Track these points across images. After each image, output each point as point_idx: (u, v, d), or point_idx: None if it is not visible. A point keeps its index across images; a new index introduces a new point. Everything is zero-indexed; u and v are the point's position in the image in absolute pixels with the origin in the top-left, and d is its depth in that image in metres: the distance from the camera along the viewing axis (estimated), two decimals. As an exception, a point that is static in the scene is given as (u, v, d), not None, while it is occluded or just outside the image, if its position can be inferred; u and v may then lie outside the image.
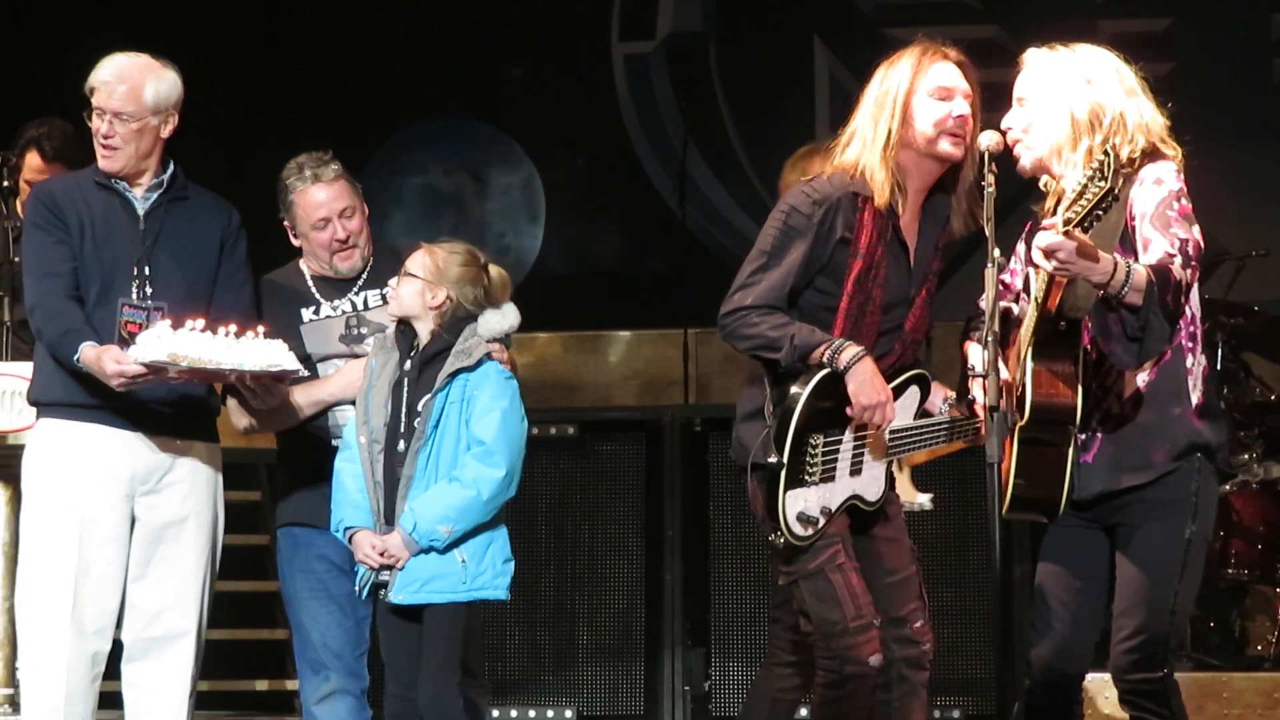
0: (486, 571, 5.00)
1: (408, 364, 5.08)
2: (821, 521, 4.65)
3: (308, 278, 5.46)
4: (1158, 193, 4.33)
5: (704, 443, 7.12)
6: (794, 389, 4.62)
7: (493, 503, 4.98)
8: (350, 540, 5.05)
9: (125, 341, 4.93)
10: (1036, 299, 4.34)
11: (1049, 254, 4.12)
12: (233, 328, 4.89)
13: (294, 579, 5.39)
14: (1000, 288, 4.43)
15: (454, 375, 5.01)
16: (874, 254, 4.68)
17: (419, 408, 5.00)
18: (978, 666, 6.56)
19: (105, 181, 5.12)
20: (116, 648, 5.15)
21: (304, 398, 5.28)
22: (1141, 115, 4.43)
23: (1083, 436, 4.44)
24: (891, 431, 4.73)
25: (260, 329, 4.97)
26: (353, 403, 5.19)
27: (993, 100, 4.69)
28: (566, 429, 7.16)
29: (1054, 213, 4.28)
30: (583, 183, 9.66)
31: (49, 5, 9.57)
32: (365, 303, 5.43)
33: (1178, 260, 4.23)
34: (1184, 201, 4.33)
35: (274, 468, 5.80)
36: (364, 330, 5.38)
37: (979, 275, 4.43)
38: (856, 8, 9.40)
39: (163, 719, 5.14)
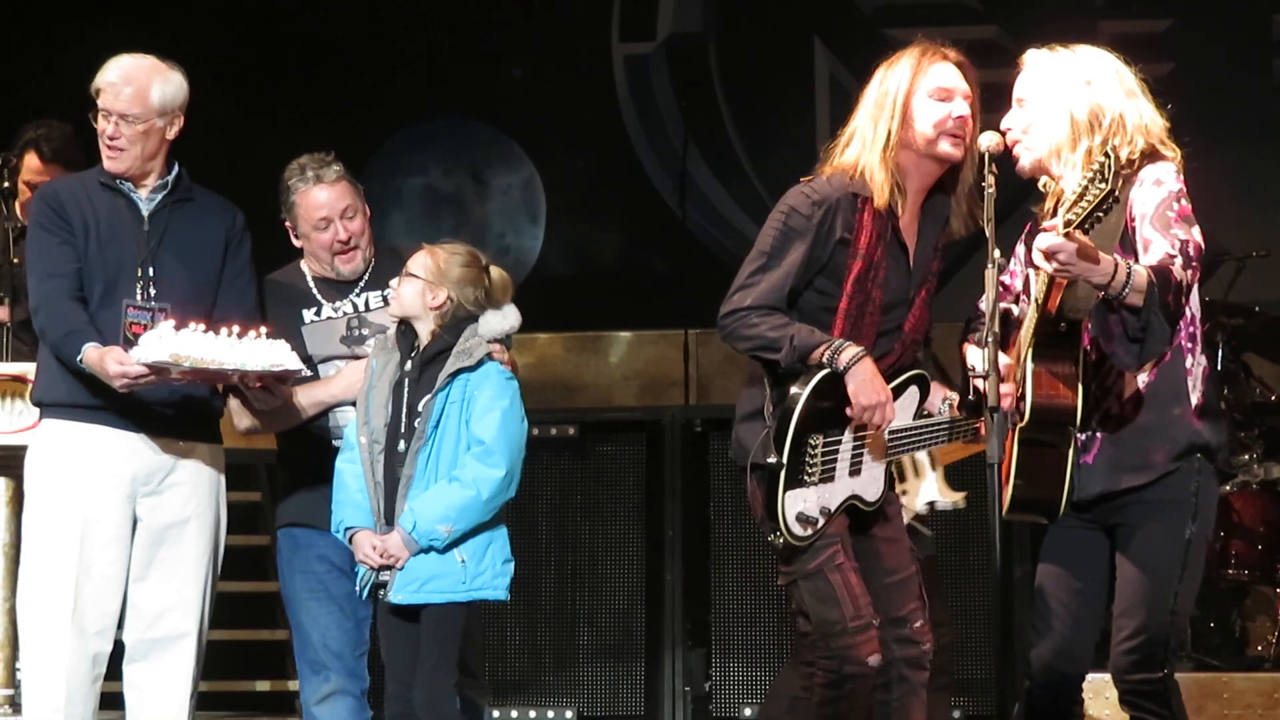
0: (486, 572, 5.00)
1: (408, 364, 5.09)
2: (821, 522, 4.66)
3: (309, 278, 5.47)
4: (1157, 194, 4.33)
5: (704, 443, 7.13)
6: (794, 389, 4.62)
7: (492, 503, 4.98)
8: (350, 540, 5.05)
9: (130, 342, 4.93)
10: (1036, 300, 4.34)
11: (1049, 256, 4.12)
12: (235, 328, 4.89)
13: (294, 579, 5.40)
14: (1000, 289, 4.43)
15: (454, 375, 5.01)
16: (873, 255, 4.69)
17: (419, 408, 5.01)
18: (978, 667, 6.56)
19: (110, 182, 5.13)
20: (118, 648, 5.15)
21: (305, 398, 5.28)
22: (1141, 116, 4.44)
23: (1082, 437, 4.44)
24: (891, 432, 4.73)
25: (263, 329, 4.97)
26: (353, 403, 5.19)
27: (993, 101, 4.69)
28: (567, 429, 7.17)
29: (1053, 214, 4.28)
30: (583, 183, 9.66)
31: (49, 6, 9.57)
32: (366, 304, 5.43)
33: (1178, 261, 4.23)
34: (1184, 202, 4.33)
35: (274, 468, 5.81)
36: (365, 331, 5.38)
37: (979, 276, 4.43)
38: (857, 8, 9.40)
39: (164, 720, 5.15)
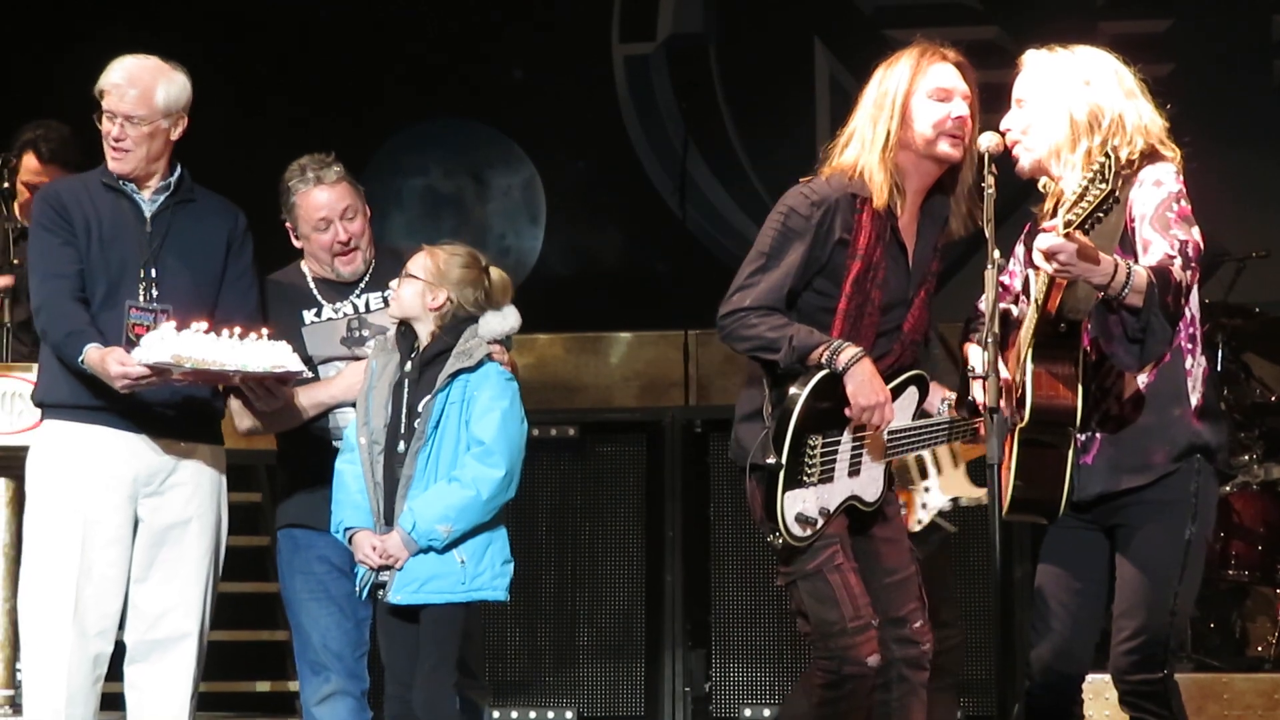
0: (485, 572, 5.00)
1: (408, 365, 5.09)
2: (820, 522, 4.66)
3: (309, 279, 5.47)
4: (1157, 194, 4.33)
5: (704, 444, 7.13)
6: (793, 390, 4.62)
7: (492, 503, 4.98)
8: (350, 541, 5.05)
9: (132, 343, 4.93)
10: (1036, 301, 4.33)
11: (1050, 256, 4.12)
12: (237, 330, 4.89)
13: (294, 580, 5.40)
14: (999, 289, 4.43)
15: (454, 376, 5.01)
16: (872, 255, 4.69)
17: (419, 408, 5.01)
18: (978, 667, 6.56)
19: (113, 183, 5.13)
20: (119, 649, 5.16)
21: (305, 399, 5.29)
22: (1140, 117, 4.43)
23: (1082, 438, 4.44)
24: (890, 432, 4.74)
25: (264, 331, 4.97)
26: (353, 404, 5.19)
27: (994, 102, 4.69)
28: (567, 430, 7.17)
29: (1053, 214, 4.28)
30: (583, 184, 9.66)
31: (49, 6, 9.57)
32: (367, 305, 5.43)
33: (1178, 262, 4.23)
34: (1183, 203, 4.33)
35: (274, 469, 5.81)
36: (365, 333, 5.38)
37: (979, 277, 4.43)
38: (857, 9, 9.40)
39: (164, 721, 5.16)
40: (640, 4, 9.64)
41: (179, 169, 5.19)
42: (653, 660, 7.05)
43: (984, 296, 4.46)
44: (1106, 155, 4.02)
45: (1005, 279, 4.64)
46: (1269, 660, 6.88)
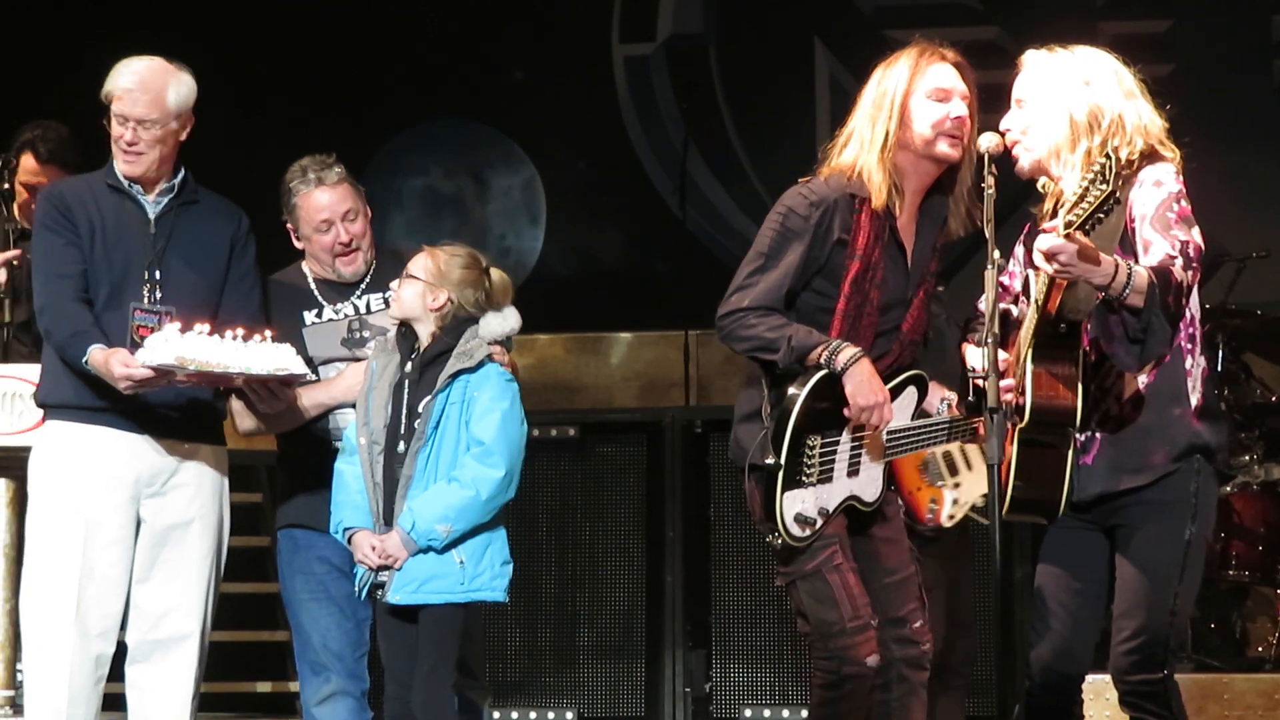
0: (485, 573, 5.00)
1: (409, 366, 5.09)
2: (819, 522, 4.66)
3: (310, 280, 5.47)
4: (1157, 195, 4.33)
5: (705, 444, 7.13)
6: (791, 390, 4.62)
7: (491, 503, 4.98)
8: (349, 541, 5.06)
9: (136, 345, 4.93)
10: (1036, 301, 4.33)
11: (1050, 257, 4.12)
12: (240, 331, 4.89)
13: (294, 581, 5.40)
14: (999, 290, 4.43)
15: (455, 376, 5.01)
16: (871, 255, 4.69)
17: (419, 409, 5.01)
18: (978, 668, 6.55)
19: (117, 184, 5.13)
20: (120, 650, 5.16)
21: (305, 400, 5.29)
22: (1140, 117, 4.43)
23: (1082, 438, 4.44)
24: (889, 432, 4.74)
25: (268, 333, 4.97)
26: (354, 405, 5.19)
27: (994, 102, 4.69)
28: (567, 431, 7.18)
29: (1053, 214, 4.28)
30: (583, 184, 9.66)
31: (49, 6, 9.57)
32: (368, 306, 5.44)
33: (1178, 262, 4.23)
34: (1184, 203, 4.33)
35: (274, 470, 5.81)
36: (366, 334, 5.38)
37: (979, 277, 4.43)
38: (857, 9, 9.40)
39: (165, 721, 5.16)
40: (640, 4, 9.64)
41: (183, 170, 5.20)
42: (653, 661, 7.05)
43: (984, 296, 4.46)
44: (1107, 156, 4.02)
45: (1004, 279, 4.64)
46: (1269, 660, 6.88)
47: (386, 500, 5.01)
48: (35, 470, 5.15)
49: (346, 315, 5.43)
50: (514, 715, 7.04)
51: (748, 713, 6.95)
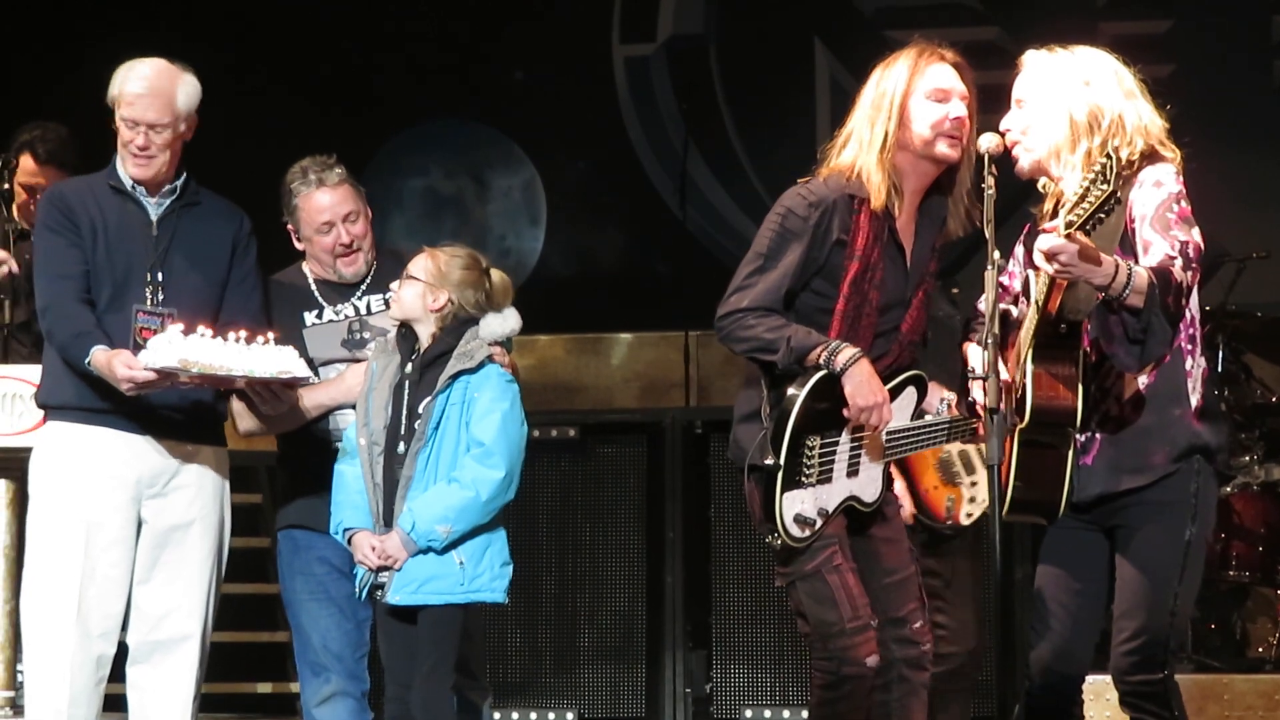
0: (484, 574, 5.00)
1: (409, 367, 5.09)
2: (818, 523, 4.66)
3: (310, 281, 5.47)
4: (1157, 195, 4.33)
5: (705, 445, 7.13)
6: (791, 390, 4.62)
7: (491, 504, 4.98)
8: (349, 542, 5.06)
9: (139, 347, 4.93)
10: (1037, 302, 4.33)
11: (1051, 257, 4.12)
12: (243, 333, 4.89)
13: (294, 581, 5.40)
14: (998, 290, 4.43)
15: (455, 377, 5.01)
16: (870, 256, 4.69)
17: (419, 410, 5.01)
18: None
19: (120, 186, 5.13)
20: (121, 650, 5.16)
21: (306, 401, 5.28)
22: (1140, 117, 4.44)
23: (1082, 439, 4.44)
24: (889, 432, 4.74)
25: (271, 335, 4.97)
26: (354, 406, 5.19)
27: (994, 102, 4.69)
28: (568, 431, 7.18)
29: (1053, 215, 4.29)
30: (584, 185, 9.66)
31: (49, 7, 9.57)
32: (368, 307, 5.43)
33: (1178, 262, 4.23)
34: (1183, 204, 4.33)
35: (275, 470, 5.81)
36: (366, 335, 5.38)
37: (979, 278, 4.44)
38: (857, 10, 9.40)
39: (166, 722, 5.15)
40: (640, 5, 9.64)
41: (184, 172, 5.19)
42: (653, 661, 7.05)
43: (984, 297, 4.46)
44: (1108, 156, 4.02)
45: (1004, 280, 4.64)
46: (1269, 661, 6.88)
47: (386, 501, 5.01)
48: (36, 471, 5.15)
49: (347, 316, 5.43)
50: (514, 716, 7.04)
51: (748, 713, 6.95)
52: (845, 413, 4.63)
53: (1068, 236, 4.07)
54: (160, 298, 5.08)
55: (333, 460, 5.18)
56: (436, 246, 5.18)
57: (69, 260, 5.05)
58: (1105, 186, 3.99)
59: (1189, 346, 4.41)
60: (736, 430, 4.79)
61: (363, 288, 5.45)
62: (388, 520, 5.00)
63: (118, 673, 5.16)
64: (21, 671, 5.52)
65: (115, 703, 5.31)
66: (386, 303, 5.33)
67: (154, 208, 5.15)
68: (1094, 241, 4.11)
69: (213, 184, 5.30)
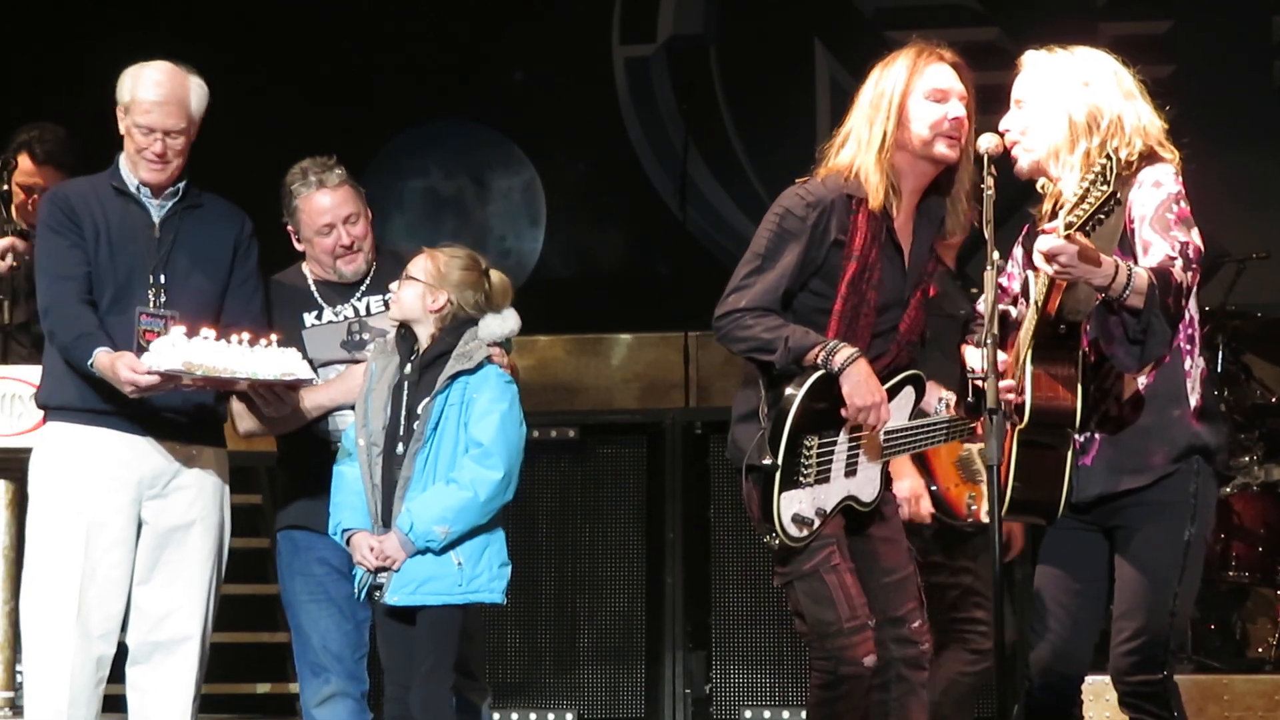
0: (483, 574, 5.00)
1: (408, 367, 5.09)
2: (816, 523, 4.66)
3: (310, 282, 5.47)
4: (1157, 195, 4.33)
5: (705, 445, 7.13)
6: (789, 390, 4.63)
7: (490, 505, 4.98)
8: (348, 543, 5.06)
9: (143, 349, 4.92)
10: (1036, 302, 4.33)
11: (1050, 258, 4.12)
12: (246, 336, 4.89)
13: (294, 582, 5.40)
14: (998, 291, 4.43)
15: (454, 378, 5.01)
16: (868, 256, 4.69)
17: (418, 410, 5.01)
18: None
19: (123, 188, 5.12)
20: (121, 651, 5.15)
21: (306, 402, 5.28)
22: (1139, 118, 4.43)
23: (1081, 439, 4.44)
24: (887, 432, 4.74)
25: (274, 337, 4.97)
26: (353, 407, 5.19)
27: (995, 103, 4.68)
28: (568, 432, 7.17)
29: (1052, 215, 4.28)
30: (584, 185, 9.66)
31: (49, 7, 9.57)
32: (368, 308, 5.43)
33: (1178, 263, 4.23)
34: (1183, 204, 4.33)
35: (274, 471, 5.80)
36: (366, 336, 5.38)
37: (978, 278, 4.43)
38: (857, 10, 9.40)
39: (166, 723, 5.15)
40: (640, 5, 9.64)
41: (185, 173, 5.19)
42: (653, 662, 7.05)
43: (983, 298, 4.46)
44: (1108, 157, 4.01)
45: (1003, 280, 4.64)
46: (1269, 661, 6.88)
47: (385, 502, 5.01)
48: (37, 471, 5.15)
49: (346, 317, 5.43)
50: (514, 717, 7.04)
51: (748, 714, 6.95)
52: (843, 413, 4.64)
53: (1067, 237, 4.07)
54: (163, 300, 5.08)
55: (332, 461, 5.18)
56: (436, 247, 5.18)
57: (71, 261, 5.05)
58: (1105, 187, 3.99)
59: (1188, 347, 4.41)
60: (734, 430, 4.79)
61: (362, 289, 5.45)
62: (386, 521, 5.00)
63: (117, 673, 5.16)
64: (21, 672, 5.51)
65: (115, 703, 5.31)
66: (386, 304, 5.33)
67: (157, 209, 5.15)
68: (1093, 242, 4.10)
69: (213, 184, 5.30)
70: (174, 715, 5.15)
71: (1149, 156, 4.40)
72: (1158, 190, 4.33)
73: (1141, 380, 4.40)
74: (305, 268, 5.49)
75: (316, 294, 5.45)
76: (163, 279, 5.09)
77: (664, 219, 9.37)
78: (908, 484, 5.48)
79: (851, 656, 4.65)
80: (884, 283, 4.73)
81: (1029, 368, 4.35)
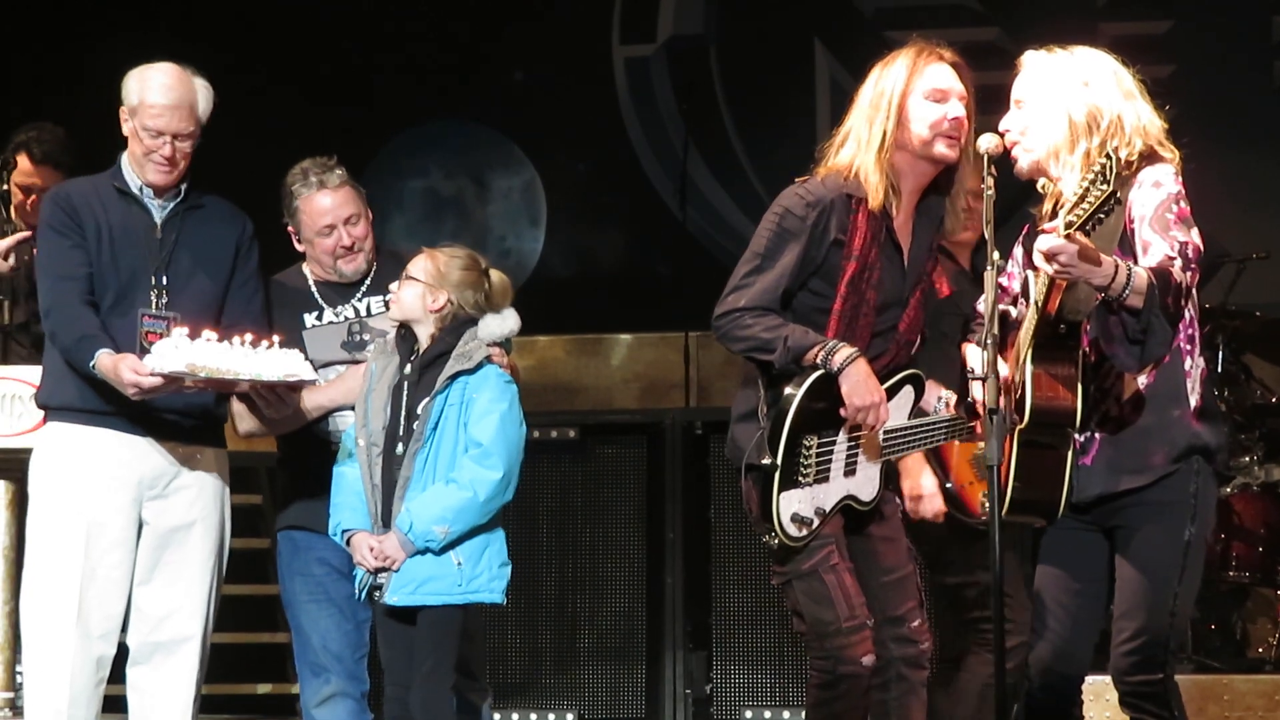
0: (482, 574, 5.00)
1: (408, 368, 5.09)
2: (815, 522, 4.66)
3: (310, 282, 5.46)
4: (1156, 195, 4.33)
5: (705, 445, 7.13)
6: (788, 390, 4.63)
7: (489, 504, 4.98)
8: (348, 543, 5.06)
9: (145, 351, 4.92)
10: (1036, 302, 4.33)
11: (1050, 257, 4.12)
12: (248, 337, 4.89)
13: (294, 582, 5.40)
14: (997, 291, 4.43)
15: (453, 378, 5.01)
16: (868, 256, 4.69)
17: (418, 411, 5.01)
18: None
19: (126, 188, 5.12)
20: (121, 651, 5.15)
21: (306, 403, 5.28)
22: (1139, 118, 4.43)
23: (1081, 439, 4.44)
24: (886, 432, 4.74)
25: (276, 338, 4.97)
26: (353, 408, 5.19)
27: (995, 103, 4.68)
28: (568, 432, 7.18)
29: (1052, 215, 4.29)
30: (584, 186, 9.66)
31: (49, 7, 9.57)
32: (368, 309, 5.43)
33: (1178, 263, 4.23)
34: (1182, 204, 4.33)
35: (274, 471, 5.80)
36: (366, 337, 5.38)
37: (977, 278, 4.43)
38: (857, 10, 9.40)
39: (167, 723, 5.15)
40: (640, 5, 9.65)
41: (187, 174, 5.19)
42: (653, 662, 7.05)
43: (983, 298, 4.46)
44: (1108, 157, 4.02)
45: (1003, 280, 4.64)
46: (1269, 661, 6.88)
47: (385, 502, 5.01)
48: (37, 472, 5.15)
49: (346, 318, 5.43)
50: (514, 717, 7.04)
51: (748, 714, 6.95)
52: (842, 412, 4.64)
53: (1067, 237, 4.07)
54: (165, 301, 5.08)
55: (332, 461, 5.18)
56: (435, 247, 5.18)
57: (73, 261, 5.04)
58: (1104, 187, 3.99)
59: (1188, 347, 4.41)
60: (734, 429, 4.79)
61: (363, 289, 5.44)
62: (386, 521, 5.00)
63: (118, 674, 5.16)
64: (21, 673, 5.51)
65: (115, 704, 5.31)
66: (386, 304, 5.33)
67: (158, 210, 5.14)
68: (1093, 242, 4.11)
69: (213, 184, 5.29)
70: (174, 716, 5.15)
71: (1149, 156, 4.40)
72: (1157, 190, 4.33)
73: (1141, 380, 4.40)
74: (305, 268, 5.49)
75: (317, 294, 5.44)
76: (165, 280, 5.09)
77: (664, 219, 9.37)
78: (913, 482, 5.47)
79: (850, 656, 4.65)
80: (883, 282, 4.73)
81: (1029, 367, 4.35)
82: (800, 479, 4.63)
